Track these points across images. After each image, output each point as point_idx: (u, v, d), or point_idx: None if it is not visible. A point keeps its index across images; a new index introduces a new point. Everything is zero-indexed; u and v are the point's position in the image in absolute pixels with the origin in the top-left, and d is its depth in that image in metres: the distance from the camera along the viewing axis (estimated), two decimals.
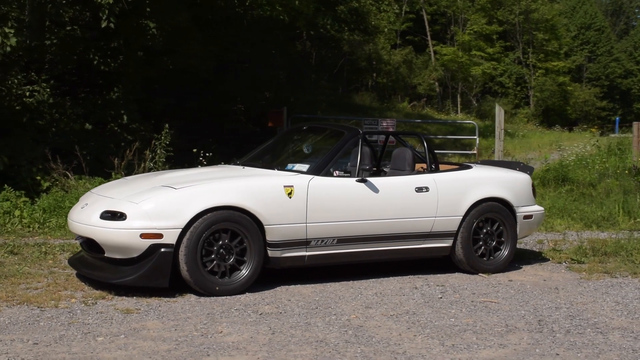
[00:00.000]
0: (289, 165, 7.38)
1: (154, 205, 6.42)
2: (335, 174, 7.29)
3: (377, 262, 7.58)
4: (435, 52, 45.47)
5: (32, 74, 13.89)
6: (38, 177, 11.39)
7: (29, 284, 6.80)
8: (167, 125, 12.08)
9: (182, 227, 6.36)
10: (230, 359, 4.85)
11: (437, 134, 27.09)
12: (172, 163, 12.40)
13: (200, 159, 12.21)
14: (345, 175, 7.36)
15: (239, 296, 6.49)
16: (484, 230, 7.83)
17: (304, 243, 6.89)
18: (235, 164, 7.94)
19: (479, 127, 21.82)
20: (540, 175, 15.79)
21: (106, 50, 14.39)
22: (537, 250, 9.19)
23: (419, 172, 7.80)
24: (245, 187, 6.73)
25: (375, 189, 7.21)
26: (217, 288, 6.49)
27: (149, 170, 11.36)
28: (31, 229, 9.79)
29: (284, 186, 6.82)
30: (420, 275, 7.59)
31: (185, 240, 6.37)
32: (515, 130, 33.39)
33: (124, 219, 6.38)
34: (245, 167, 7.55)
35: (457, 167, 8.31)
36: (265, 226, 6.67)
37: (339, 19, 28.14)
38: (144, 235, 6.31)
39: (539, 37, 49.67)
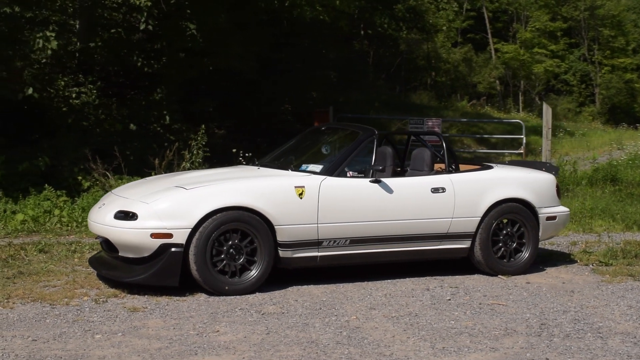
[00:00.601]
0: (303, 166, 7.39)
1: (164, 205, 6.53)
2: (349, 175, 7.28)
3: (392, 263, 7.54)
4: (496, 50, 44.84)
5: (80, 76, 14.23)
6: (79, 177, 11.68)
7: (48, 281, 6.97)
8: (203, 126, 12.24)
9: (192, 227, 6.45)
10: (217, 358, 4.90)
11: (493, 133, 26.66)
12: (212, 163, 12.53)
13: (240, 159, 12.31)
14: (360, 175, 7.34)
15: (247, 296, 6.53)
16: (504, 232, 7.70)
17: (316, 243, 6.90)
18: (254, 164, 8.02)
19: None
20: (588, 175, 15.48)
21: (149, 52, 14.67)
22: (567, 252, 8.99)
23: (437, 173, 7.74)
24: (255, 188, 6.78)
25: (389, 190, 7.17)
26: (227, 288, 6.55)
27: (187, 170, 11.52)
28: (69, 227, 10.04)
29: (295, 187, 6.84)
30: (436, 277, 7.52)
31: (194, 240, 6.46)
32: (576, 129, 32.68)
33: (135, 218, 6.51)
34: (261, 168, 7.61)
35: (478, 167, 8.20)
36: (275, 226, 6.70)
37: (397, 17, 28.08)
38: (154, 235, 6.42)
39: (605, 33, 48.43)
